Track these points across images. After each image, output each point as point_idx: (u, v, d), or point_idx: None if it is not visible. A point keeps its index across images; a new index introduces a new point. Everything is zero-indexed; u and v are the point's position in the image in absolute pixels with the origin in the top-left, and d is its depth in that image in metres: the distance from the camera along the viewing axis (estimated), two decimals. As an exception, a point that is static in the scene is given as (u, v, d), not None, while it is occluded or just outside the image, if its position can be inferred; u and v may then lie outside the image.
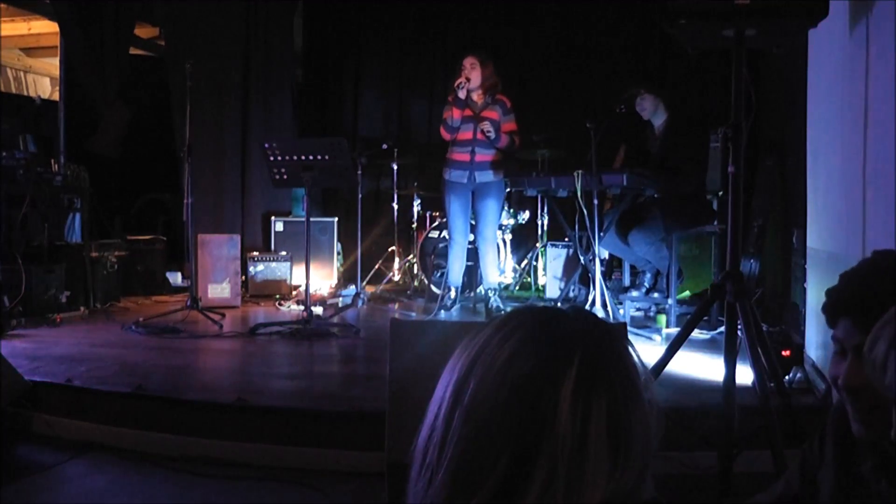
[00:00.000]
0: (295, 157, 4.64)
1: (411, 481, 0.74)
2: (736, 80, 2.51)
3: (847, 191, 3.06)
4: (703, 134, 5.07)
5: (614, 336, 0.73)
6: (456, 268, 5.36)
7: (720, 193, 5.20)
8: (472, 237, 5.44)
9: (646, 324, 4.88)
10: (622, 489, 0.67)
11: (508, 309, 5.38)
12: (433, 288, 5.78)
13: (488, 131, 5.04)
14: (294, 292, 6.13)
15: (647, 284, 5.02)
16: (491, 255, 5.28)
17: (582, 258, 5.12)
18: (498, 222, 5.42)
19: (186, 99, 5.05)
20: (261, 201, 6.84)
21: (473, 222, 5.42)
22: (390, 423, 2.14)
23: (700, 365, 3.67)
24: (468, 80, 5.06)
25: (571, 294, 5.49)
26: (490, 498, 0.67)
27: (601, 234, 4.68)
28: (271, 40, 6.98)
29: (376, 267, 6.65)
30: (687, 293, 5.08)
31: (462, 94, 5.04)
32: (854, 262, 1.19)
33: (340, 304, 5.76)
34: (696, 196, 4.97)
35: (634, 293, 5.07)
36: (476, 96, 5.19)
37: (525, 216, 6.22)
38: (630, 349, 0.74)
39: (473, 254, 5.46)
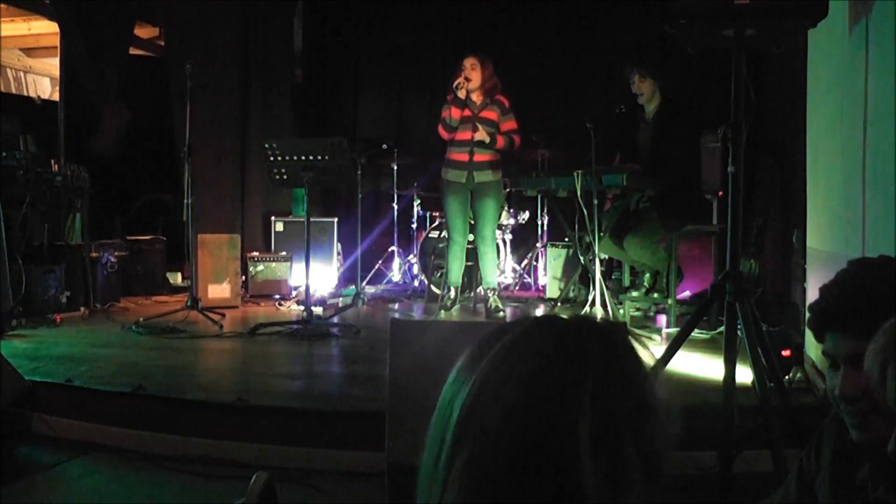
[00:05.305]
0: (295, 157, 4.65)
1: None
2: (736, 80, 2.51)
3: (847, 191, 3.06)
4: (694, 125, 5.06)
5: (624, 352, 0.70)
6: (455, 268, 5.35)
7: (720, 193, 5.20)
8: (471, 237, 5.44)
9: (646, 324, 4.88)
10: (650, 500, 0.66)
11: (507, 310, 5.37)
12: (433, 288, 5.77)
13: (483, 137, 5.05)
14: (294, 292, 6.13)
15: (646, 284, 5.02)
16: (490, 255, 5.27)
17: (582, 258, 5.11)
18: (497, 222, 5.41)
19: (186, 99, 5.05)
20: (261, 201, 6.84)
21: (473, 222, 5.42)
22: (390, 423, 2.14)
23: (700, 365, 3.67)
24: (468, 80, 5.06)
25: (571, 294, 5.49)
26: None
27: (601, 233, 4.69)
28: (271, 40, 6.98)
29: (376, 267, 6.65)
30: (687, 293, 5.09)
31: (462, 95, 5.04)
32: (854, 261, 1.19)
33: (340, 304, 5.76)
34: (692, 192, 4.98)
35: (634, 293, 5.07)
36: (475, 96, 5.19)
37: (525, 216, 6.21)
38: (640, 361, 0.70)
39: (473, 254, 5.45)
